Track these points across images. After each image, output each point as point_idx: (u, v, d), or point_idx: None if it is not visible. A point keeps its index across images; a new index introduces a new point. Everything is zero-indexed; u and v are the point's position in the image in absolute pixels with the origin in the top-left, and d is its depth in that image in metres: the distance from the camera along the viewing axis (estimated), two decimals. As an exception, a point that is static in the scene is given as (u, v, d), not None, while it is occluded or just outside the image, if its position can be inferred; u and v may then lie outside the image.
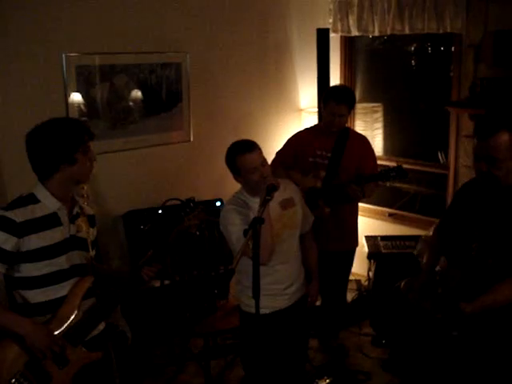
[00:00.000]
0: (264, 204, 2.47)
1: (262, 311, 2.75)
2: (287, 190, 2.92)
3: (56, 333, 2.35)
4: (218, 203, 4.48)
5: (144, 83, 4.30)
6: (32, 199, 2.34)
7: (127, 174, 4.25)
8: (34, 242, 2.30)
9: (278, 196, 2.78)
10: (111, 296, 2.55)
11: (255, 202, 2.67)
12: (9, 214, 2.27)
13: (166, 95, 4.44)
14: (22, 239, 2.27)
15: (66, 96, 3.91)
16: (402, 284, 2.82)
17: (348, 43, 5.24)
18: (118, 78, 4.16)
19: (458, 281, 2.56)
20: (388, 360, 3.96)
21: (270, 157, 3.39)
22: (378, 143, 5.36)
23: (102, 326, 2.55)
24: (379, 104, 5.35)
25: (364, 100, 5.40)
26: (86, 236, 2.51)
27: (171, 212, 4.16)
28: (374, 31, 4.75)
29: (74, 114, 3.92)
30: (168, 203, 4.11)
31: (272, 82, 5.16)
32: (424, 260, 2.88)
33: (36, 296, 2.36)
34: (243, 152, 2.71)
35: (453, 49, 4.57)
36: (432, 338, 2.65)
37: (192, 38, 4.52)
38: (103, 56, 4.05)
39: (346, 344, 4.25)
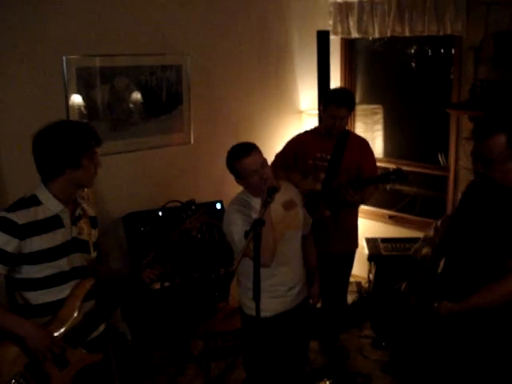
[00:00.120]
0: (265, 206, 2.48)
1: (265, 314, 2.76)
2: (288, 192, 2.94)
3: (56, 334, 2.35)
4: (219, 205, 4.48)
5: (144, 85, 4.30)
6: (34, 201, 2.34)
7: (127, 175, 4.25)
8: (36, 244, 2.30)
9: (281, 197, 2.79)
10: (111, 298, 2.55)
11: (258, 203, 2.68)
12: (11, 216, 2.27)
13: (166, 97, 4.44)
14: (24, 241, 2.27)
15: (67, 98, 3.91)
16: (403, 286, 2.82)
17: (348, 45, 5.24)
18: (118, 80, 4.16)
19: (446, 280, 2.57)
20: (388, 362, 3.96)
21: (270, 159, 3.39)
22: (378, 145, 5.36)
23: (102, 328, 2.55)
24: (379, 106, 5.36)
25: (364, 102, 5.41)
26: (88, 238, 2.51)
27: (171, 214, 4.15)
28: (374, 33, 4.76)
29: (74, 116, 3.92)
30: (168, 205, 4.11)
31: (272, 84, 5.16)
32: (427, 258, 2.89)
33: (37, 297, 2.36)
34: (242, 156, 2.72)
35: (453, 51, 4.57)
36: (432, 340, 2.65)
37: (192, 40, 4.52)
38: (104, 58, 4.05)
39: (347, 346, 4.25)
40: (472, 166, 2.52)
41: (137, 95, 4.29)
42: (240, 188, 2.90)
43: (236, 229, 2.70)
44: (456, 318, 2.48)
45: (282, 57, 5.22)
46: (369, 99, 5.39)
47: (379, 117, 5.35)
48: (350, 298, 4.69)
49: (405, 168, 4.96)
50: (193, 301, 3.90)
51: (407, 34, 4.56)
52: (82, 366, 2.42)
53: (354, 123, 5.38)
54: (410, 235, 4.77)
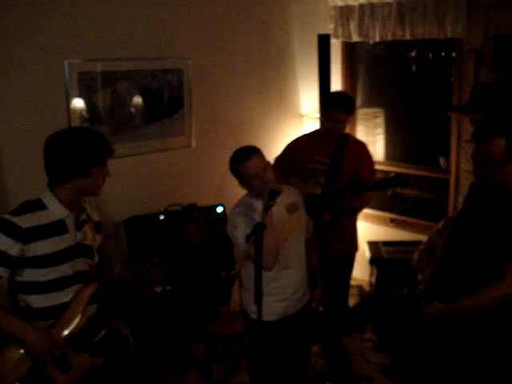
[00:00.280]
0: (266, 209, 2.49)
1: (270, 318, 2.78)
2: (291, 195, 2.96)
3: (59, 338, 2.35)
4: (220, 209, 4.48)
5: (146, 89, 4.31)
6: (39, 205, 2.34)
7: (129, 179, 4.25)
8: (40, 248, 2.30)
9: (284, 200, 2.82)
10: (114, 302, 2.56)
11: (261, 206, 2.69)
12: (15, 220, 2.27)
13: (167, 101, 4.45)
14: (27, 245, 2.28)
15: (68, 102, 3.91)
16: (405, 290, 2.82)
17: (349, 49, 5.25)
18: (119, 84, 4.17)
19: (442, 281, 2.57)
20: (390, 366, 3.95)
21: (270, 162, 3.40)
22: (379, 148, 5.36)
23: (103, 332, 2.55)
24: (380, 109, 5.36)
25: (365, 105, 5.41)
26: (92, 243, 2.51)
27: (173, 218, 4.17)
28: (374, 37, 4.76)
29: (76, 120, 3.93)
30: (170, 209, 4.11)
31: (273, 88, 5.17)
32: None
33: (39, 301, 2.37)
34: (244, 159, 2.74)
35: (454, 54, 4.57)
36: (432, 343, 2.64)
37: (193, 44, 4.53)
38: (105, 62, 4.06)
39: (348, 349, 4.25)
40: (473, 168, 2.52)
41: (138, 99, 4.29)
42: (242, 191, 2.91)
43: (239, 232, 2.71)
44: (455, 321, 2.48)
45: (283, 60, 5.23)
46: (370, 103, 5.40)
47: (380, 120, 5.36)
48: (352, 302, 4.69)
49: (406, 171, 5.02)
50: (194, 304, 3.90)
51: (408, 37, 4.57)
52: (84, 369, 2.42)
53: (355, 127, 5.39)
54: (412, 238, 4.77)
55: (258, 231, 2.31)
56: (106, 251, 4.04)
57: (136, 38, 4.18)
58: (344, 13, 4.91)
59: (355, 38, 4.90)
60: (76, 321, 2.39)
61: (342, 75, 5.30)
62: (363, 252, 4.65)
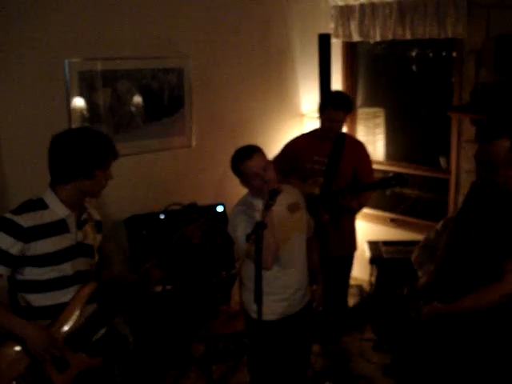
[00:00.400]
0: (266, 208, 2.49)
1: (271, 317, 2.78)
2: (293, 195, 2.97)
3: (57, 337, 2.35)
4: (220, 208, 4.48)
5: (146, 88, 4.31)
6: (41, 204, 2.34)
7: (129, 178, 4.25)
8: (40, 247, 2.30)
9: (285, 200, 2.83)
10: (113, 302, 2.56)
11: (262, 205, 2.69)
12: (16, 219, 2.27)
13: (167, 100, 4.45)
14: (28, 244, 2.28)
15: (69, 101, 3.92)
16: (405, 290, 2.82)
17: (349, 48, 5.25)
18: (120, 83, 4.17)
19: (441, 281, 2.57)
20: (390, 365, 3.95)
21: (271, 162, 3.40)
22: (379, 148, 5.36)
23: (103, 331, 2.56)
24: (381, 109, 5.36)
25: (365, 105, 5.41)
26: (93, 242, 2.51)
27: (173, 217, 4.17)
28: (375, 36, 4.76)
29: (76, 120, 3.93)
30: (170, 208, 4.12)
31: (274, 88, 5.17)
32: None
33: (39, 300, 2.37)
34: (244, 159, 2.74)
35: (454, 54, 4.57)
36: (433, 343, 2.64)
37: (194, 44, 4.53)
38: (105, 61, 4.06)
39: (348, 349, 4.25)
40: (475, 168, 2.52)
41: (138, 98, 4.30)
42: (242, 191, 2.92)
43: (240, 231, 2.71)
44: (454, 321, 2.48)
45: (284, 60, 5.23)
46: (370, 102, 5.40)
47: (380, 120, 5.36)
48: (352, 301, 4.69)
49: (406, 171, 5.02)
50: (194, 304, 3.90)
51: (408, 37, 4.57)
52: (82, 369, 2.42)
53: (355, 126, 5.39)
54: (412, 238, 4.76)
55: (258, 230, 2.31)
56: (106, 250, 4.04)
57: (136, 37, 4.18)
58: (344, 12, 4.91)
59: (356, 38, 4.89)
60: (74, 320, 2.39)
61: (343, 75, 5.30)
62: (363, 252, 4.65)
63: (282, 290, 2.86)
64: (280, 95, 5.24)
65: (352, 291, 4.84)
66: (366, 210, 5.20)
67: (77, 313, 2.40)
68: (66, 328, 2.38)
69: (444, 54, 4.81)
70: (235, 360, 4.06)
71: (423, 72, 5.03)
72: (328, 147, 3.71)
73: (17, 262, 2.29)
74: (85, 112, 4.02)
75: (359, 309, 4.67)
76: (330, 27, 5.00)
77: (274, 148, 4.58)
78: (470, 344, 2.49)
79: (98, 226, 2.59)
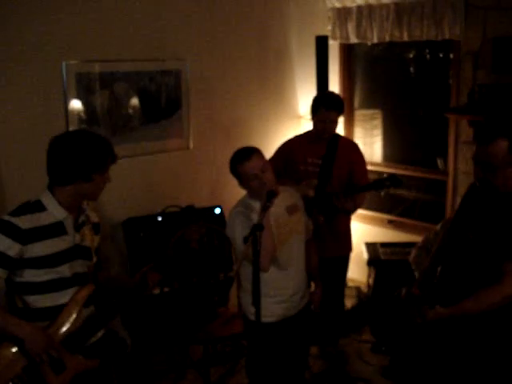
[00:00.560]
0: (264, 210, 2.49)
1: (269, 319, 2.77)
2: (292, 197, 2.96)
3: (54, 339, 2.35)
4: (218, 210, 4.48)
5: (144, 91, 4.31)
6: (39, 206, 2.34)
7: (127, 181, 4.25)
8: (38, 249, 2.30)
9: (284, 202, 2.83)
10: (110, 304, 2.55)
11: (260, 206, 2.69)
12: (14, 220, 2.27)
13: (165, 103, 4.45)
14: (26, 246, 2.27)
15: (66, 103, 3.91)
16: (403, 291, 2.82)
17: (347, 50, 5.25)
18: (117, 85, 4.17)
19: (441, 284, 2.56)
20: (388, 367, 3.95)
21: (269, 163, 3.40)
22: (376, 150, 5.36)
23: (100, 333, 2.55)
24: (378, 111, 5.36)
25: (363, 107, 5.41)
26: (90, 244, 2.51)
27: (171, 219, 4.17)
28: (372, 38, 4.77)
29: (73, 122, 3.93)
30: (167, 210, 4.11)
31: (271, 89, 5.17)
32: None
33: (37, 301, 2.37)
34: (242, 160, 2.74)
35: (451, 56, 4.58)
36: (431, 345, 2.64)
37: (191, 46, 4.53)
38: (103, 63, 4.06)
39: (346, 351, 4.24)
40: (473, 170, 2.51)
41: (136, 100, 4.29)
42: (239, 193, 2.92)
43: (238, 233, 2.71)
44: (454, 324, 2.48)
45: (281, 62, 5.23)
46: (367, 104, 5.40)
47: (378, 122, 5.36)
48: (350, 303, 4.68)
49: (403, 172, 5.02)
50: (192, 306, 3.89)
51: (406, 38, 4.58)
52: (78, 371, 2.42)
53: (352, 128, 5.39)
54: (410, 240, 4.76)
55: (255, 232, 2.31)
56: (104, 252, 4.03)
57: (134, 39, 4.18)
58: (342, 14, 4.92)
59: (353, 40, 4.90)
60: (71, 322, 2.39)
61: (340, 77, 5.30)
62: (361, 253, 4.65)
63: (280, 291, 2.86)
64: (278, 97, 5.25)
65: (350, 293, 4.83)
66: (363, 212, 5.21)
67: (74, 315, 2.40)
68: (63, 330, 2.38)
69: (441, 55, 4.82)
70: (233, 362, 4.05)
71: (421, 74, 5.03)
72: (322, 149, 3.71)
73: (14, 264, 2.29)
74: (82, 114, 4.01)
75: (357, 310, 4.66)
76: (327, 29, 5.01)
77: (271, 150, 4.56)
78: (470, 345, 2.49)
79: (96, 228, 2.59)
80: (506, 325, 2.43)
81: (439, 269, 2.73)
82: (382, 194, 3.70)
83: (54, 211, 2.35)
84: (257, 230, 2.31)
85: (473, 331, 2.47)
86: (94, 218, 2.60)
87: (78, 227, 2.44)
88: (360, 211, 5.21)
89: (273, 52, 5.16)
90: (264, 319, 2.50)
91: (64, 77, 3.87)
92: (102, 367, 2.54)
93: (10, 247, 2.25)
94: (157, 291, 3.90)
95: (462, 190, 4.39)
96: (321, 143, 3.72)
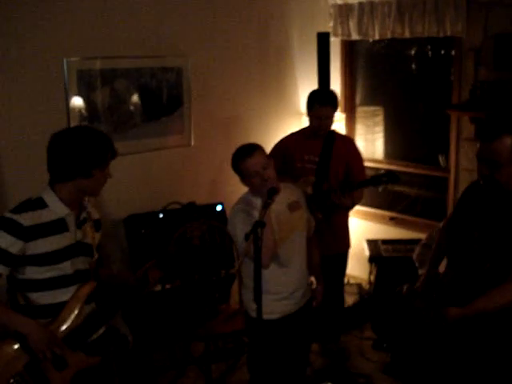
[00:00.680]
0: (265, 207, 2.49)
1: (271, 316, 2.77)
2: (294, 194, 2.96)
3: (57, 336, 2.35)
4: (219, 207, 4.48)
5: (145, 87, 4.31)
6: (40, 203, 2.34)
7: (128, 178, 4.25)
8: (40, 246, 2.30)
9: (286, 198, 2.83)
10: (112, 301, 2.56)
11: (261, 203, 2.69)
12: (16, 218, 2.27)
13: (166, 99, 4.45)
14: (28, 243, 2.28)
15: (67, 100, 3.91)
16: (404, 288, 2.82)
17: (348, 47, 5.25)
18: (118, 82, 4.16)
19: (450, 284, 2.55)
20: (389, 364, 3.96)
21: (270, 160, 3.39)
22: (378, 147, 5.36)
23: (102, 330, 2.55)
24: (380, 107, 5.36)
25: (364, 104, 5.41)
26: (92, 241, 2.51)
27: (172, 216, 4.17)
28: (374, 35, 4.76)
29: (75, 119, 3.92)
30: (169, 207, 4.12)
31: (273, 86, 5.17)
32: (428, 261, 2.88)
33: (39, 299, 2.37)
34: (243, 157, 2.74)
35: (453, 52, 4.57)
36: (433, 341, 2.64)
37: (192, 43, 4.53)
38: (104, 60, 4.05)
39: (347, 347, 4.25)
40: (477, 167, 2.49)
41: (137, 97, 4.29)
42: (241, 190, 2.92)
43: (239, 229, 2.71)
44: (462, 322, 2.46)
45: (283, 58, 5.22)
46: (369, 101, 5.40)
47: (379, 118, 5.36)
48: (351, 300, 4.69)
49: (405, 169, 5.02)
50: (194, 303, 3.89)
51: (407, 35, 4.57)
52: (80, 368, 2.42)
53: (354, 125, 5.39)
54: (411, 237, 4.77)
55: (257, 229, 2.31)
56: (106, 249, 4.04)
57: (135, 36, 4.17)
58: (343, 11, 4.91)
59: (354, 36, 4.89)
60: (73, 319, 2.39)
61: (342, 73, 5.30)
62: (362, 250, 4.65)
63: (281, 288, 2.86)
64: (279, 94, 5.24)
65: (351, 290, 4.84)
66: (365, 209, 5.21)
67: (76, 312, 2.40)
68: (64, 327, 2.38)
69: (443, 52, 4.81)
70: (234, 359, 4.06)
71: (422, 70, 5.03)
72: (318, 145, 3.70)
73: (17, 262, 2.29)
74: (83, 111, 4.01)
75: (358, 307, 4.66)
76: (328, 26, 5.00)
77: (272, 146, 4.58)
78: (474, 343, 2.48)
79: (97, 225, 2.59)
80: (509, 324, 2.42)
81: (445, 268, 2.73)
82: (379, 190, 3.70)
83: (56, 208, 2.35)
84: (258, 226, 2.31)
85: (478, 330, 2.46)
86: (95, 214, 2.60)
87: (79, 224, 2.44)
88: (361, 208, 5.22)
89: (274, 49, 5.15)
90: (265, 316, 2.50)
91: (65, 74, 3.87)
92: (104, 364, 2.54)
93: (12, 244, 2.25)
94: (158, 288, 3.90)
95: (463, 186, 4.34)
96: (317, 140, 3.71)
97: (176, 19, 4.41)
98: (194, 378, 3.93)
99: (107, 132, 4.00)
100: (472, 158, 4.38)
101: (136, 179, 4.33)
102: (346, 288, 4.83)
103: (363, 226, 5.23)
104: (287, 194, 2.85)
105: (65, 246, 2.37)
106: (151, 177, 4.43)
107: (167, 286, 3.93)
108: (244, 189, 2.90)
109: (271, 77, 5.15)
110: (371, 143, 5.37)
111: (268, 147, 4.40)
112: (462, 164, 4.56)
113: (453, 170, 4.65)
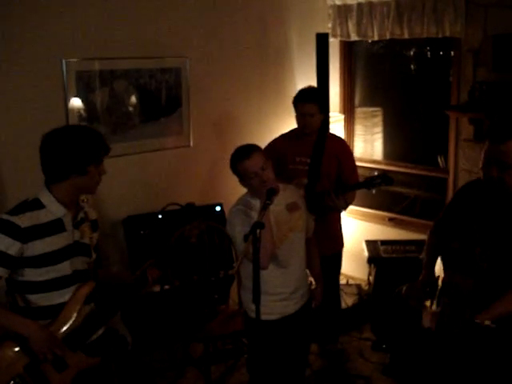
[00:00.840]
0: (264, 208, 2.49)
1: (270, 317, 2.77)
2: (292, 194, 2.96)
3: (57, 337, 2.35)
4: (218, 208, 4.47)
5: (144, 88, 4.31)
6: (37, 204, 2.34)
7: (127, 178, 4.25)
8: (38, 247, 2.30)
9: (285, 199, 2.83)
10: (111, 301, 2.55)
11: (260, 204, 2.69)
12: (14, 219, 2.27)
13: (165, 100, 4.44)
14: (26, 245, 2.28)
15: (66, 101, 3.90)
16: (404, 289, 2.82)
17: (347, 48, 5.25)
18: (117, 83, 4.16)
19: (468, 292, 2.52)
20: (388, 365, 3.95)
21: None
22: (377, 148, 5.36)
23: (101, 331, 2.55)
24: (379, 108, 5.36)
25: (363, 104, 5.41)
26: (89, 241, 2.51)
27: (171, 217, 4.16)
28: (373, 36, 4.76)
29: (74, 119, 3.92)
30: (168, 208, 4.11)
31: (271, 87, 5.16)
32: (423, 262, 2.87)
33: (38, 300, 2.37)
34: (242, 158, 2.74)
35: (452, 53, 4.58)
36: (432, 342, 2.64)
37: (191, 43, 4.52)
38: (103, 61, 4.05)
39: (346, 348, 4.25)
40: (482, 168, 2.47)
41: (136, 98, 4.29)
42: (240, 190, 2.91)
43: (238, 231, 2.71)
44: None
45: (281, 59, 5.22)
46: (368, 102, 5.40)
47: (378, 119, 5.36)
48: (350, 301, 4.68)
49: (404, 170, 5.03)
50: (193, 304, 3.89)
51: (406, 36, 4.57)
52: (80, 369, 2.42)
53: (353, 126, 5.39)
54: (410, 237, 4.77)
55: (255, 230, 2.30)
56: (104, 250, 4.04)
57: (134, 36, 4.17)
58: (342, 12, 4.91)
59: (353, 37, 4.90)
60: (72, 320, 2.39)
61: (341, 74, 5.31)
62: (361, 251, 4.65)
63: (280, 289, 2.86)
64: (278, 95, 5.23)
65: (350, 290, 4.84)
66: (364, 210, 5.22)
67: (75, 313, 2.40)
68: (64, 328, 2.38)
69: (442, 53, 4.82)
70: (234, 360, 4.05)
71: (421, 71, 5.03)
72: (309, 147, 3.70)
73: (15, 263, 2.29)
74: (82, 112, 4.01)
75: (358, 308, 4.66)
76: (327, 26, 5.01)
77: (272, 147, 4.58)
78: (478, 346, 2.46)
79: (94, 225, 2.59)
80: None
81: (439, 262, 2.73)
82: (373, 192, 3.69)
83: (53, 208, 2.35)
84: (257, 227, 2.31)
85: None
86: (93, 215, 2.60)
87: (76, 224, 2.44)
88: (360, 209, 5.22)
89: (273, 50, 5.15)
90: (264, 317, 2.50)
91: (64, 75, 3.87)
92: (103, 365, 2.54)
93: (11, 246, 2.25)
94: (157, 289, 3.89)
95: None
96: (307, 141, 3.71)
97: (175, 20, 4.40)
98: (193, 379, 3.93)
99: (106, 133, 4.04)
100: (471, 158, 4.39)
101: (135, 180, 4.33)
102: (345, 289, 4.84)
103: (362, 227, 5.23)
104: (286, 195, 2.85)
105: (63, 246, 2.37)
106: (150, 178, 4.42)
107: (166, 287, 3.93)
108: (243, 190, 2.90)
109: (270, 78, 5.15)
110: (370, 144, 5.37)
111: (267, 148, 4.40)
112: (460, 165, 4.56)
113: (452, 170, 4.65)
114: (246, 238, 2.32)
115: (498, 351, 2.45)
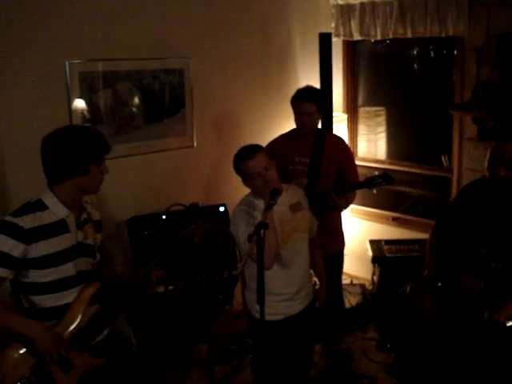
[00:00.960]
0: (268, 208, 2.49)
1: (275, 317, 2.77)
2: (295, 195, 2.96)
3: (63, 337, 2.35)
4: (222, 208, 4.48)
5: (147, 89, 4.31)
6: (40, 206, 2.34)
7: (131, 179, 4.25)
8: (42, 248, 2.30)
9: (288, 200, 2.83)
10: (116, 302, 2.56)
11: (263, 205, 2.69)
12: (17, 221, 2.27)
13: (168, 101, 4.45)
14: (30, 246, 2.28)
15: (70, 102, 3.92)
16: (408, 289, 2.81)
17: (350, 47, 5.25)
18: (121, 84, 4.17)
19: (479, 292, 2.51)
20: (393, 364, 3.95)
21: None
22: (381, 147, 5.36)
23: (106, 332, 2.55)
24: (382, 108, 5.36)
25: (367, 104, 5.41)
26: (93, 242, 2.51)
27: (175, 217, 4.17)
28: (376, 35, 4.76)
29: (77, 121, 3.93)
30: (172, 209, 4.12)
31: (275, 87, 5.16)
32: (426, 261, 2.87)
33: (43, 301, 2.37)
34: (245, 159, 2.74)
35: (455, 52, 4.57)
36: (438, 342, 2.64)
37: (195, 44, 4.53)
38: (106, 62, 4.06)
39: (351, 348, 4.24)
40: (488, 168, 2.47)
41: (139, 99, 4.29)
42: (243, 191, 2.91)
43: (242, 231, 2.71)
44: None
45: (284, 59, 5.22)
46: (371, 101, 5.40)
47: (382, 119, 5.35)
48: (354, 300, 4.68)
49: (408, 170, 5.02)
50: (197, 304, 3.90)
51: (409, 35, 4.57)
52: (86, 369, 2.42)
53: (356, 125, 5.39)
54: (414, 237, 4.76)
55: (259, 230, 2.30)
56: (109, 251, 4.04)
57: (137, 38, 4.18)
58: (345, 11, 4.91)
59: (356, 37, 4.90)
60: (78, 321, 2.39)
61: (344, 74, 5.30)
62: (365, 251, 4.65)
63: (284, 289, 2.86)
64: (281, 95, 5.22)
65: (354, 290, 4.84)
66: (367, 209, 5.21)
67: (80, 313, 2.40)
68: (70, 328, 2.38)
69: (445, 52, 4.81)
70: (238, 360, 4.05)
71: (424, 70, 5.02)
72: (309, 147, 3.69)
73: (19, 265, 2.29)
74: (86, 113, 4.02)
75: (362, 308, 4.66)
76: (330, 26, 5.01)
77: (275, 148, 4.57)
78: (485, 344, 2.46)
79: (98, 226, 2.59)
80: None
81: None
82: (374, 192, 3.69)
83: (56, 210, 2.36)
84: (261, 228, 2.31)
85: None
86: (96, 215, 2.60)
87: (80, 225, 2.44)
88: (364, 208, 5.22)
89: (276, 49, 5.15)
90: (268, 317, 2.50)
91: (67, 76, 3.88)
92: (107, 366, 2.54)
93: (14, 248, 2.25)
94: (161, 289, 3.90)
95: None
96: (307, 141, 3.71)
97: (178, 21, 4.41)
98: (197, 379, 3.93)
99: (110, 134, 4.05)
100: (475, 157, 4.38)
101: (139, 181, 4.34)
102: (349, 288, 4.84)
103: (366, 227, 5.23)
104: (289, 195, 2.86)
105: (66, 247, 2.37)
106: (154, 178, 4.43)
107: (170, 288, 3.93)
108: (246, 190, 2.90)
109: (273, 78, 5.15)
110: (374, 143, 5.37)
111: (270, 148, 4.40)
112: (464, 164, 4.55)
113: (455, 169, 4.64)
114: (250, 238, 2.32)
115: (500, 351, 2.45)
